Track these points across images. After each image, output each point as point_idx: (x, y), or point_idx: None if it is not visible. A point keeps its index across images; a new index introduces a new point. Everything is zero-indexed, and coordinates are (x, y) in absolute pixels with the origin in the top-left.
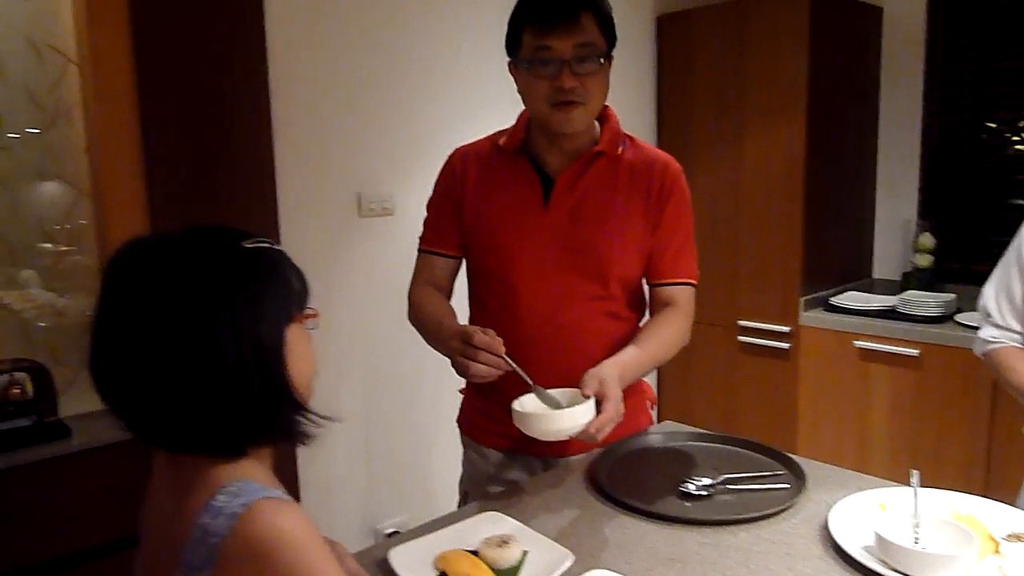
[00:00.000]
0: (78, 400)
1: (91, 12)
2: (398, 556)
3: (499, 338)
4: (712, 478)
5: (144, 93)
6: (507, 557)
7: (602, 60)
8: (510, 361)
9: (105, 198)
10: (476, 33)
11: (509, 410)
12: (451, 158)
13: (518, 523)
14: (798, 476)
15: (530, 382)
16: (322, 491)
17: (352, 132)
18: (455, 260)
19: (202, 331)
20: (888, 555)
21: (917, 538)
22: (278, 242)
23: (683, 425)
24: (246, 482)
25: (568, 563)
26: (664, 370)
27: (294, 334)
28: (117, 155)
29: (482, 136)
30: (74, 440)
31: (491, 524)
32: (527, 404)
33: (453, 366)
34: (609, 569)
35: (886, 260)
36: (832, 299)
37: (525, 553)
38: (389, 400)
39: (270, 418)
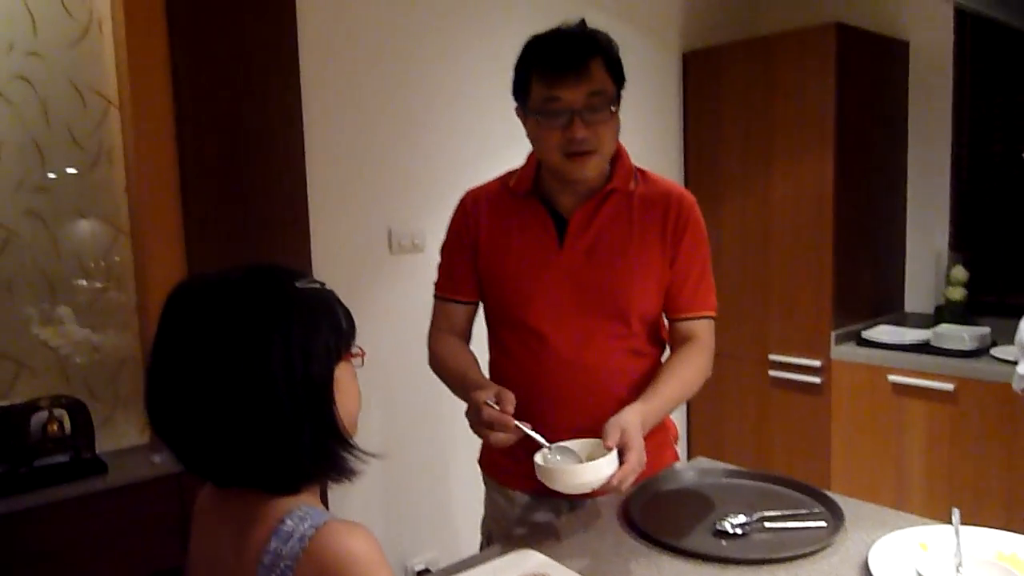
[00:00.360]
0: (114, 435)
1: (132, 57)
2: None
3: (509, 407)
4: (748, 516)
5: (182, 135)
6: None
7: (613, 107)
8: (523, 427)
9: (143, 236)
10: (510, 70)
11: (530, 449)
12: (463, 202)
13: (552, 560)
14: (836, 514)
15: (545, 443)
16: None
17: (384, 169)
18: (472, 306)
19: (256, 369)
20: None
21: None
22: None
23: (716, 462)
24: (311, 507)
25: None
26: (693, 405)
27: (342, 372)
28: (155, 194)
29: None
30: (110, 476)
31: (524, 561)
32: (549, 457)
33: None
34: None
35: (918, 293)
36: (864, 333)
37: None
38: (413, 437)
39: (321, 455)
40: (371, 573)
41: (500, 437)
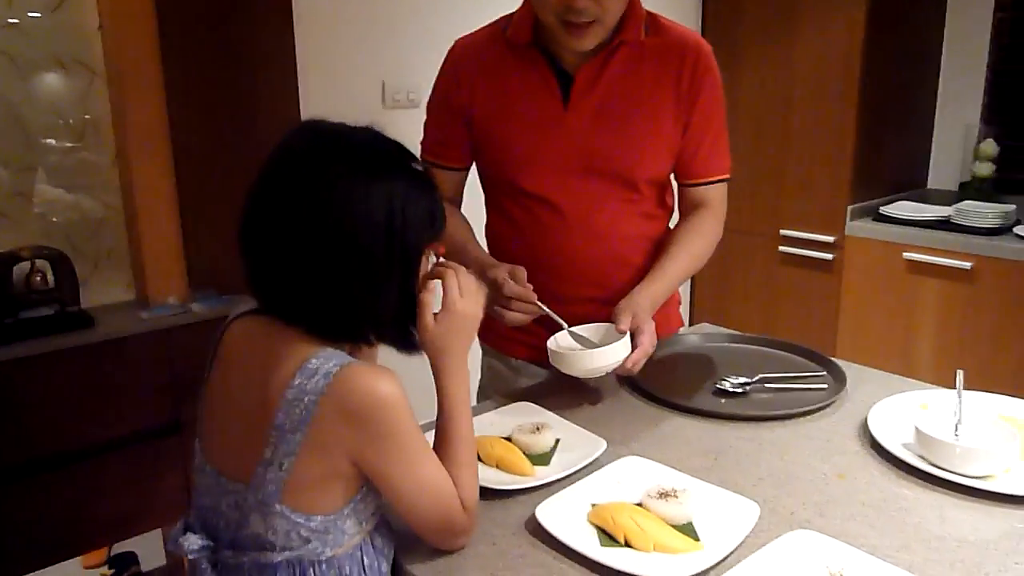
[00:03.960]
0: (98, 292)
1: None
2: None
3: (529, 284)
4: (749, 377)
5: None
6: (540, 443)
7: None
8: (543, 306)
9: (120, 81)
10: None
11: (536, 320)
12: (451, 53)
13: (552, 413)
14: (837, 377)
15: (564, 325)
16: None
17: (377, 17)
18: (463, 172)
19: (360, 210)
20: (927, 449)
21: (958, 435)
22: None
23: (720, 327)
24: (334, 351)
25: (601, 450)
26: (698, 277)
27: (425, 255)
28: (132, 35)
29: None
30: (97, 330)
31: (524, 413)
32: (562, 342)
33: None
34: (643, 457)
35: (943, 168)
36: (882, 209)
37: (558, 440)
38: None
39: (395, 315)
40: (394, 416)
41: (518, 316)
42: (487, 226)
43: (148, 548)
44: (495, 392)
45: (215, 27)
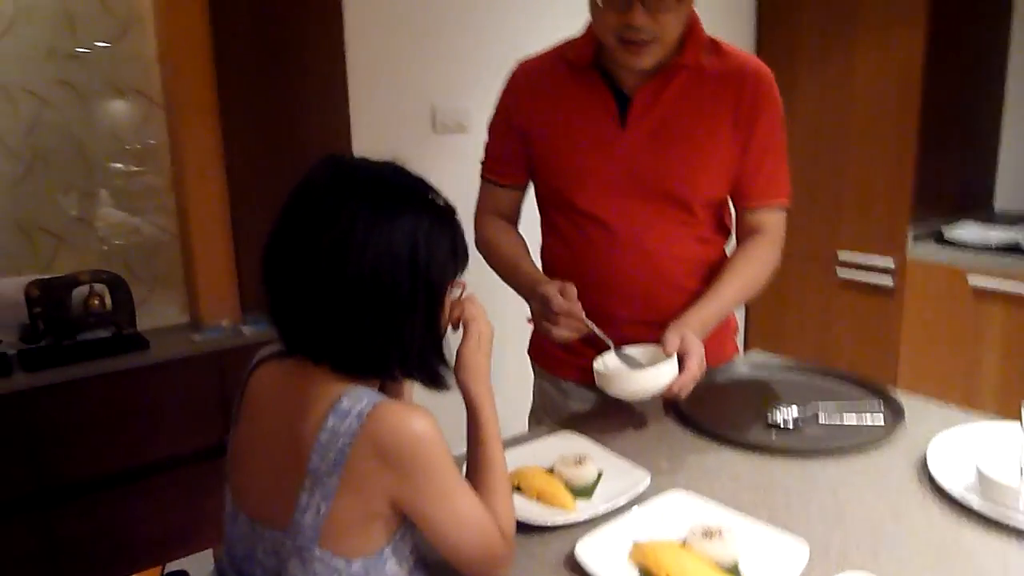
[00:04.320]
0: (153, 314)
1: None
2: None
3: (576, 300)
4: (801, 409)
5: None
6: (583, 475)
7: None
8: (590, 324)
9: (177, 110)
10: None
11: (586, 341)
12: (513, 75)
13: (596, 444)
14: (895, 411)
15: (610, 343)
16: None
17: (428, 40)
18: (520, 190)
19: (384, 246)
20: (989, 491)
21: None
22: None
23: (772, 355)
24: (364, 388)
25: (645, 483)
26: (752, 301)
27: (449, 291)
28: (188, 64)
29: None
30: (152, 352)
31: (567, 443)
32: (609, 362)
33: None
34: (688, 492)
35: (1010, 188)
36: (945, 231)
37: (601, 473)
38: None
39: (421, 351)
40: (429, 453)
41: (565, 333)
42: (542, 246)
43: (200, 567)
44: (546, 415)
45: (269, 55)
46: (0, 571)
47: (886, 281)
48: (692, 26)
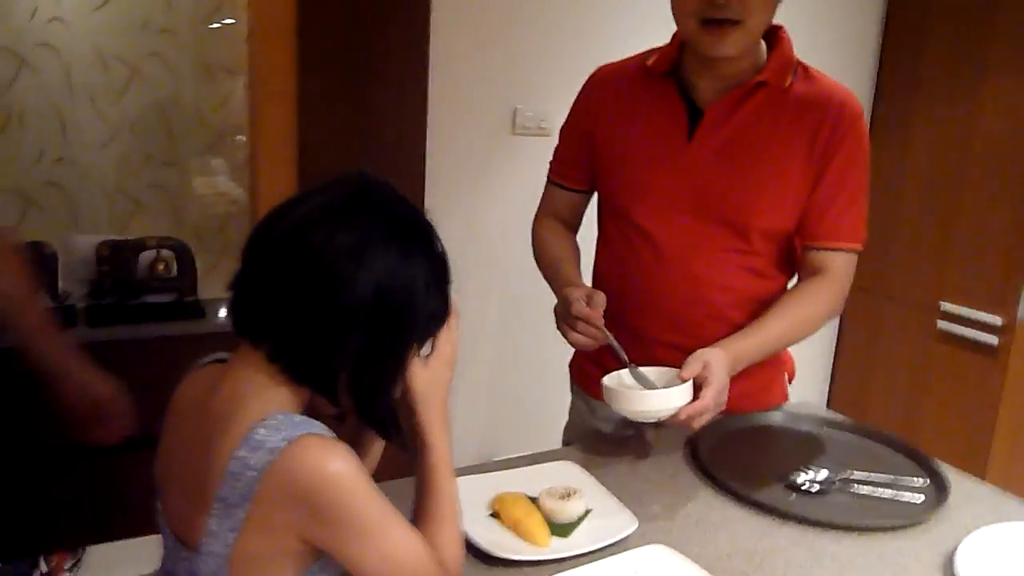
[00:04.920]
0: (216, 285)
1: None
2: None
3: (599, 308)
4: (831, 473)
5: None
6: (566, 511)
7: None
8: (608, 335)
9: (259, 91)
10: None
11: (623, 363)
12: (590, 81)
13: (592, 478)
14: (940, 489)
15: (625, 359)
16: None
17: (511, 41)
18: (583, 195)
19: (381, 285)
20: None
21: None
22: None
23: (818, 407)
24: (288, 415)
25: (629, 530)
26: (842, 342)
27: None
28: (273, 44)
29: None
30: (207, 321)
31: (563, 473)
32: (625, 379)
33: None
34: (674, 548)
35: None
36: None
37: (588, 511)
38: (526, 330)
39: (358, 381)
40: (343, 494)
41: (581, 339)
42: (595, 257)
43: None
44: (574, 432)
45: (352, 46)
46: (45, 514)
47: (990, 339)
48: (779, 43)
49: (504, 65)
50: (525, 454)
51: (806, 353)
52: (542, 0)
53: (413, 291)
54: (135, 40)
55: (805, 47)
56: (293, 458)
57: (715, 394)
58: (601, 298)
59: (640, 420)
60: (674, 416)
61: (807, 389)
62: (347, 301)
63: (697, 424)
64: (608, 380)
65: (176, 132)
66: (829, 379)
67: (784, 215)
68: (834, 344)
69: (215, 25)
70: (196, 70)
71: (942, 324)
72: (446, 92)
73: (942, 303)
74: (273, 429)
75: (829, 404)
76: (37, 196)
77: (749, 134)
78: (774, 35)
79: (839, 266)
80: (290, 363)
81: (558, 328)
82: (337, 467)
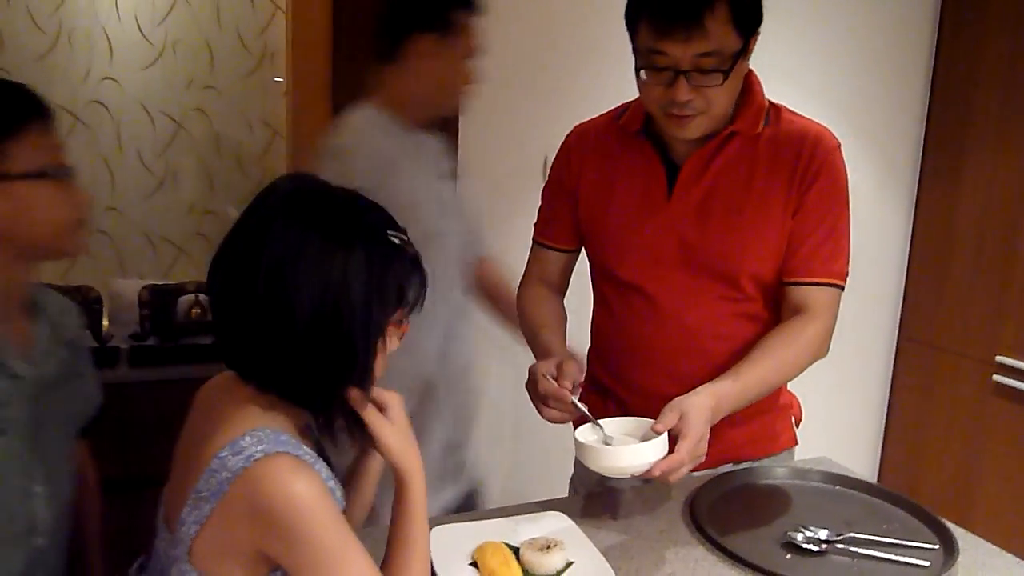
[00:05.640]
0: None
1: None
2: (438, 536)
3: (568, 380)
4: (833, 532)
5: (338, 45)
6: (545, 563)
7: (729, 70)
8: (581, 407)
9: (297, 139)
10: None
11: (627, 413)
12: (567, 140)
13: (579, 529)
14: (949, 553)
15: (597, 422)
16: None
17: (543, 90)
18: (569, 254)
19: (323, 281)
20: None
21: None
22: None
23: (833, 461)
24: (276, 432)
25: None
26: (895, 403)
27: (389, 334)
28: (310, 99)
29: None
30: None
31: (549, 523)
32: (588, 435)
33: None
34: None
35: None
36: None
37: (569, 564)
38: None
39: (342, 386)
40: (306, 518)
41: (554, 414)
42: (592, 316)
43: None
44: (580, 484)
45: None
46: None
47: None
48: (749, 90)
49: (536, 114)
50: (523, 503)
51: (856, 408)
52: (574, 48)
53: (355, 293)
54: (180, 96)
55: (852, 94)
56: (261, 472)
57: (691, 447)
58: (572, 368)
59: (614, 475)
60: (648, 472)
61: (857, 448)
62: (296, 325)
63: (674, 478)
64: (579, 435)
65: (217, 183)
66: (882, 436)
67: (771, 258)
68: (887, 399)
69: (256, 81)
70: (237, 123)
71: (998, 377)
72: (477, 142)
73: (998, 357)
74: (257, 440)
75: (882, 457)
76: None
77: (727, 184)
78: (745, 81)
79: (821, 302)
80: (278, 389)
81: (532, 403)
82: (299, 489)
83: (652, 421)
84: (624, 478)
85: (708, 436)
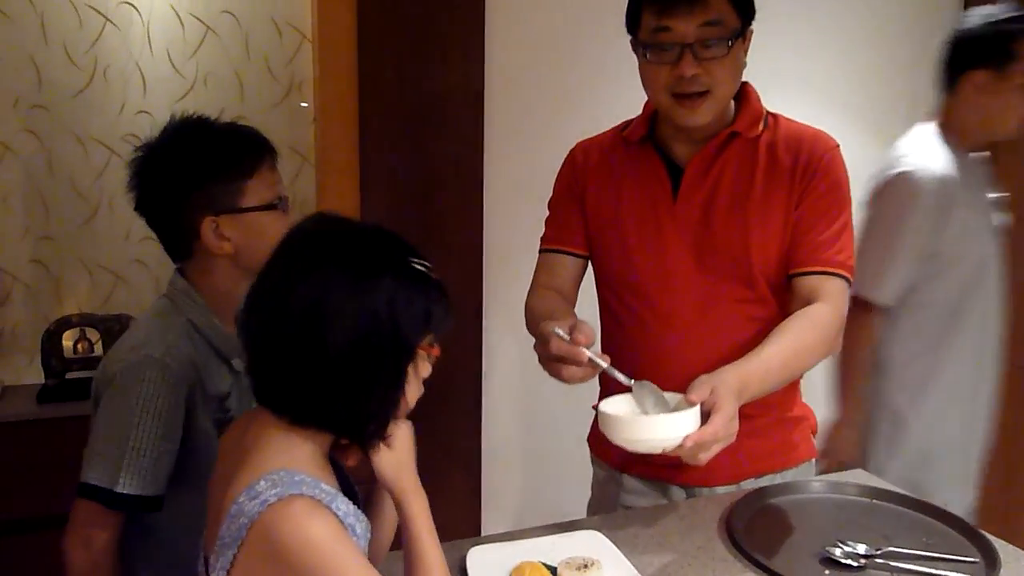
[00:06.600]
0: None
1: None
2: (476, 557)
3: (581, 337)
4: (872, 547)
5: (363, 72)
6: None
7: (731, 42)
8: (597, 360)
9: (325, 166)
10: None
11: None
12: (572, 153)
13: (617, 550)
14: (991, 567)
15: (626, 381)
16: (492, 492)
17: (567, 109)
18: (580, 260)
19: (352, 315)
20: None
21: None
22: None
23: (873, 477)
24: (291, 472)
25: None
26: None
27: (420, 359)
28: (338, 128)
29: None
30: None
31: (588, 543)
32: (617, 406)
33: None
34: None
35: None
36: None
37: None
38: (578, 393)
39: (375, 412)
40: (320, 559)
41: (573, 371)
42: (600, 330)
43: None
44: (601, 508)
45: (411, 124)
46: None
47: None
48: (746, 97)
49: (560, 136)
50: (557, 522)
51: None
52: (596, 66)
53: (385, 326)
54: None
55: (872, 100)
56: (277, 516)
57: (724, 421)
58: (586, 328)
59: (641, 450)
60: (678, 447)
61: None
62: (329, 359)
63: (704, 457)
64: (606, 406)
65: None
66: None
67: (778, 251)
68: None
69: (284, 110)
70: None
71: None
72: (501, 167)
73: None
74: (271, 484)
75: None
76: (125, 273)
77: (730, 182)
78: (741, 90)
79: (831, 292)
80: (310, 420)
81: (544, 368)
82: (315, 532)
83: (669, 394)
84: (651, 453)
85: (737, 417)
